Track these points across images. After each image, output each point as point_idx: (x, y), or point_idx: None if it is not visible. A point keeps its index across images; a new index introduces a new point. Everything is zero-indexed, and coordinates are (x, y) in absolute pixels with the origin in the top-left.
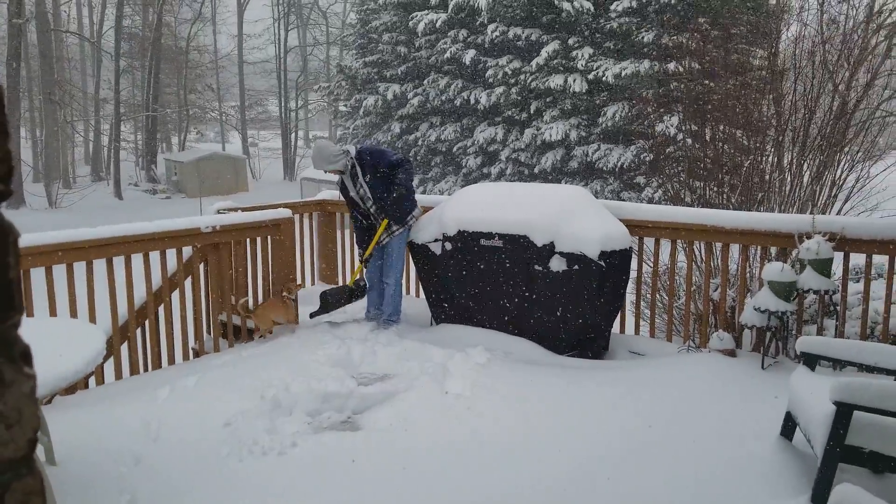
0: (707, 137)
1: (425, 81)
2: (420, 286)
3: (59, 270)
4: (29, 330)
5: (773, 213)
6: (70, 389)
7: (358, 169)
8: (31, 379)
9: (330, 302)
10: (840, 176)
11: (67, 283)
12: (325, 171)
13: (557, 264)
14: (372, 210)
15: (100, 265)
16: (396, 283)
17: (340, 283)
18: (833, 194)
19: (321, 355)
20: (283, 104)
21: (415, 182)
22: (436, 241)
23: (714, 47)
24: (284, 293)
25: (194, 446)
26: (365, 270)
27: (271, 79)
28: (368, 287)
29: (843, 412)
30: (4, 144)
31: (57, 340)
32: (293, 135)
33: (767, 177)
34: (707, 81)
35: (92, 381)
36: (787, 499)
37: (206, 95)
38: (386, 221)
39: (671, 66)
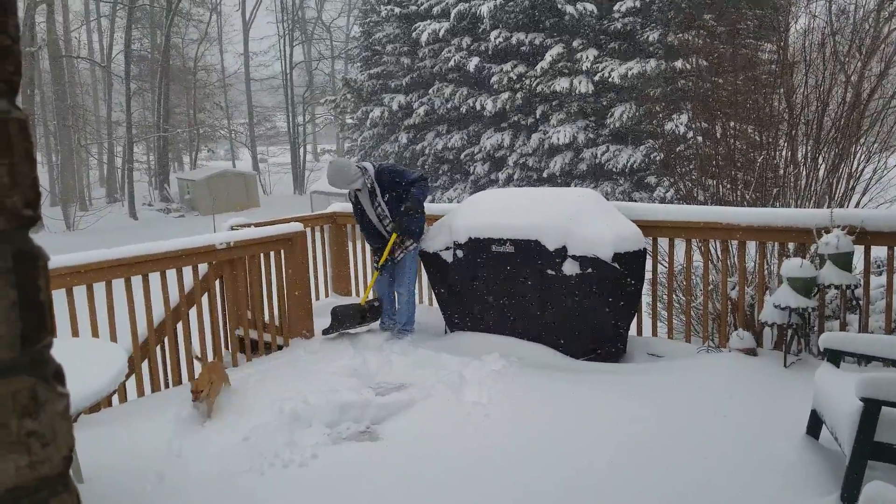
0: (718, 134)
1: (430, 90)
2: (433, 294)
3: (80, 291)
4: (54, 351)
5: (789, 208)
6: (94, 407)
7: (377, 188)
8: (65, 398)
9: (341, 319)
10: (857, 168)
11: (88, 303)
12: (343, 189)
13: (570, 268)
14: (389, 228)
15: (118, 285)
16: (409, 293)
17: (354, 294)
18: (850, 187)
19: (337, 366)
20: (290, 119)
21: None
22: (447, 249)
23: (721, 43)
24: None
25: (216, 461)
26: (377, 282)
27: (278, 95)
28: (379, 296)
29: (871, 408)
30: (32, 171)
31: (81, 360)
32: (302, 149)
33: (782, 172)
34: (716, 78)
35: (115, 398)
36: (815, 498)
37: (215, 114)
38: (395, 235)
39: (678, 63)
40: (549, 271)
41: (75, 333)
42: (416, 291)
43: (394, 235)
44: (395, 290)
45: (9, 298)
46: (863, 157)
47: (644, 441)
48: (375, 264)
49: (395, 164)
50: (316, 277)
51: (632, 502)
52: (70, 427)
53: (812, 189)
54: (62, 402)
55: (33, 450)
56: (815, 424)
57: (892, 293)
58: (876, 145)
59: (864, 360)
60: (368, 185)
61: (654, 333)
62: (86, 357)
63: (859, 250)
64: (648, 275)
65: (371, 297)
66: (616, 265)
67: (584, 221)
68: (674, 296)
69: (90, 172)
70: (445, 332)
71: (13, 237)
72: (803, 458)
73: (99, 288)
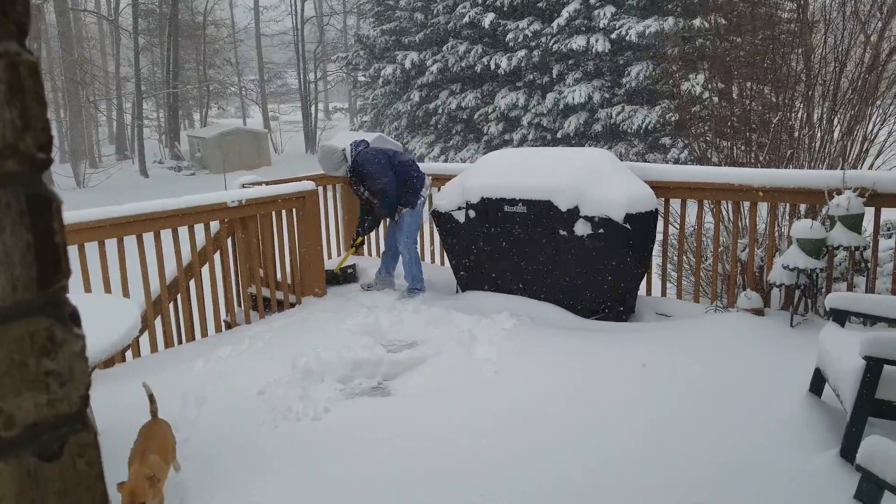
0: (734, 95)
1: (444, 48)
2: (445, 254)
3: (92, 248)
4: None
5: (802, 169)
6: (108, 363)
7: (355, 177)
8: (81, 339)
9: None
10: (872, 130)
11: (100, 259)
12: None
13: (582, 228)
14: (377, 205)
15: (130, 242)
16: (409, 252)
17: (366, 255)
18: (865, 149)
19: (350, 324)
20: (302, 76)
21: (435, 151)
22: (459, 208)
23: (741, 1)
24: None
25: (230, 414)
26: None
27: (289, 51)
28: (385, 249)
29: (873, 366)
30: (43, 114)
31: (93, 315)
32: (313, 107)
33: (797, 134)
34: (734, 37)
35: (129, 354)
36: (816, 453)
37: (225, 70)
38: (356, 244)
39: (696, 22)
40: (561, 231)
41: (87, 290)
42: (419, 249)
43: (359, 238)
44: (399, 250)
45: (24, 241)
46: (878, 119)
47: (653, 397)
48: (353, 241)
49: (368, 158)
50: (328, 236)
51: (643, 455)
52: (87, 367)
53: (826, 151)
54: (78, 343)
55: (52, 388)
56: (818, 382)
57: None
58: (892, 107)
59: (869, 320)
60: (349, 174)
61: (664, 294)
62: (99, 311)
63: (870, 212)
64: (659, 236)
65: (347, 264)
66: (628, 226)
67: (597, 182)
68: (684, 257)
69: (99, 129)
70: (457, 292)
71: (27, 180)
72: (806, 414)
73: (111, 244)
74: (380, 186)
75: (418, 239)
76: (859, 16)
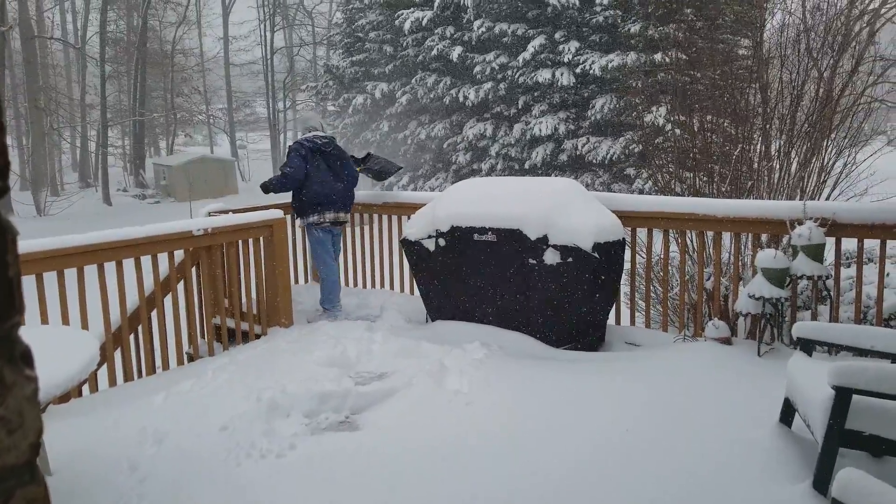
0: (695, 127)
1: (413, 79)
2: (414, 283)
3: (50, 278)
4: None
5: (763, 200)
6: (64, 398)
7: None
8: (33, 381)
9: None
10: (828, 162)
11: (58, 290)
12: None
13: (551, 257)
14: (274, 178)
15: (91, 271)
16: (322, 273)
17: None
18: (822, 180)
19: (317, 356)
20: (270, 105)
21: (404, 180)
22: (429, 237)
23: (700, 38)
24: None
25: (192, 451)
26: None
27: (258, 80)
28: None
29: (842, 396)
30: (1, 139)
31: (49, 347)
32: (282, 136)
33: (756, 165)
34: (694, 72)
35: (86, 388)
36: (788, 485)
37: (193, 98)
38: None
39: (657, 56)
40: (531, 260)
41: (45, 321)
42: (336, 267)
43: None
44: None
45: None
46: (833, 151)
47: (622, 425)
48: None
49: (298, 145)
50: (295, 262)
51: (614, 488)
52: (38, 412)
53: (785, 182)
54: (30, 387)
55: None
56: (787, 412)
57: (862, 284)
58: (846, 140)
59: (834, 349)
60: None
61: (632, 323)
62: (55, 344)
63: (830, 242)
64: (627, 265)
65: None
66: (596, 255)
67: (566, 211)
68: (651, 286)
69: (62, 157)
70: (427, 321)
71: None
72: (777, 445)
73: (70, 274)
74: (287, 170)
75: (329, 256)
76: (812, 53)
